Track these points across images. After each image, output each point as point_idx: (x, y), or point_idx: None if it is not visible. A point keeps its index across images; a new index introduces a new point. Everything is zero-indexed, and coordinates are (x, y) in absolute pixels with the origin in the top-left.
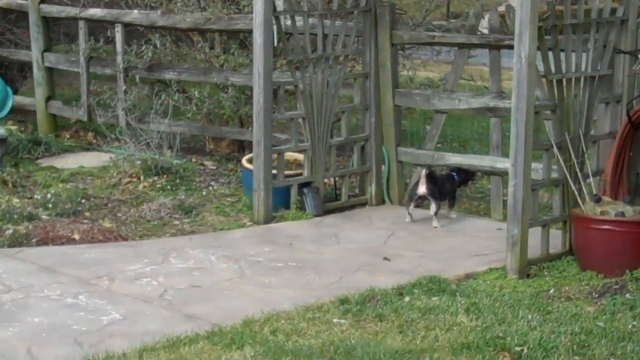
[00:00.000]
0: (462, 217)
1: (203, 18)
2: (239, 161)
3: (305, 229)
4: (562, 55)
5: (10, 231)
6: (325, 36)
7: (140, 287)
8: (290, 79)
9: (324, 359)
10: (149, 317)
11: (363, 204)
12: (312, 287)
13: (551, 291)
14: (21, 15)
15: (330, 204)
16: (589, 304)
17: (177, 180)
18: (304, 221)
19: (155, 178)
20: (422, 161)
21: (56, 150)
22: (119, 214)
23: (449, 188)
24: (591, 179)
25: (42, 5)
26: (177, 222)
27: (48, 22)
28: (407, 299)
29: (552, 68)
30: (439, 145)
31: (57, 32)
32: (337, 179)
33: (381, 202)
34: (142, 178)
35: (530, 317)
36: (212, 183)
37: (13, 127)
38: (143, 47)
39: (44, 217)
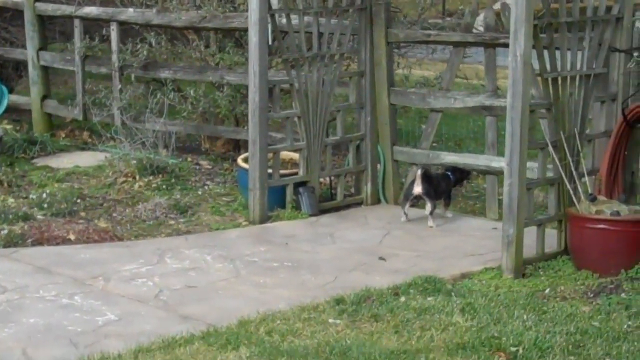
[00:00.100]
0: (457, 216)
1: (198, 16)
2: (235, 160)
3: (301, 228)
4: (558, 53)
5: (5, 231)
6: (320, 34)
7: (135, 288)
8: (285, 77)
9: (319, 359)
10: (145, 318)
11: (358, 204)
12: (307, 287)
13: (546, 291)
14: (16, 13)
15: (326, 204)
16: (584, 303)
17: (173, 180)
18: (299, 221)
19: (151, 177)
20: (417, 160)
21: (51, 149)
22: (114, 214)
23: (444, 187)
24: (586, 178)
25: (38, 4)
26: (172, 222)
27: (43, 21)
28: (402, 299)
29: (548, 66)
30: (434, 144)
31: (53, 30)
32: (332, 178)
33: (377, 201)
34: (137, 177)
35: (525, 317)
36: (208, 182)
37: (8, 127)
38: (138, 46)
39: (39, 217)
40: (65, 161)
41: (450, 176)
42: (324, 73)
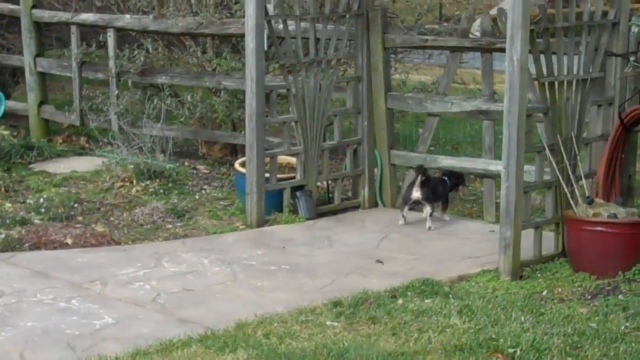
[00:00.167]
0: (455, 219)
1: (195, 22)
2: (232, 165)
3: (298, 232)
4: (554, 58)
5: (3, 236)
6: (317, 40)
7: (133, 291)
8: (282, 82)
9: None
10: (142, 321)
11: (356, 207)
12: (305, 290)
13: (544, 293)
14: (13, 20)
15: (323, 207)
16: (581, 305)
17: (170, 184)
18: (296, 224)
19: (148, 182)
20: (414, 164)
21: (49, 154)
22: (111, 218)
23: (442, 191)
24: (583, 181)
25: (34, 10)
26: (169, 226)
27: (40, 27)
28: (400, 301)
29: (544, 71)
30: (431, 148)
31: (49, 37)
32: (329, 182)
33: (374, 205)
34: (134, 182)
35: (523, 318)
36: (205, 187)
37: (5, 132)
38: (135, 52)
39: (36, 221)
40: (62, 166)
41: (447, 180)
42: (321, 78)
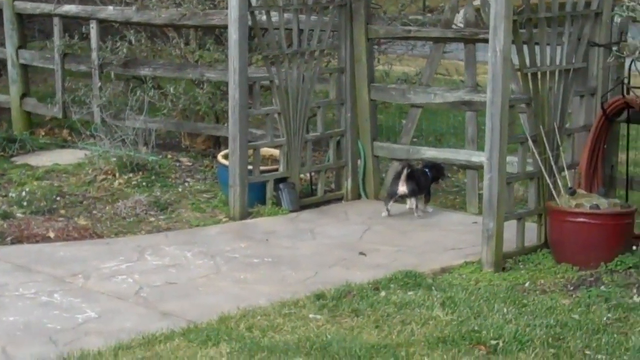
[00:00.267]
0: (438, 211)
1: (178, 14)
2: (215, 157)
3: (281, 224)
4: (537, 48)
5: None
6: (300, 31)
7: (115, 285)
8: (265, 74)
9: (300, 355)
10: (125, 315)
11: (339, 199)
12: (288, 283)
13: (526, 284)
14: None
15: (306, 199)
16: (564, 296)
17: (153, 177)
18: (280, 217)
19: (131, 175)
20: (397, 155)
21: (31, 147)
22: (94, 212)
23: (424, 183)
24: (566, 172)
25: (17, 2)
26: (152, 219)
27: (22, 19)
28: (383, 293)
29: (527, 61)
30: (414, 140)
31: (32, 28)
32: (313, 174)
33: (357, 197)
34: (117, 175)
35: (505, 310)
36: (188, 179)
37: None
38: (118, 44)
39: (18, 215)
40: (44, 159)
41: (428, 173)
42: (304, 69)
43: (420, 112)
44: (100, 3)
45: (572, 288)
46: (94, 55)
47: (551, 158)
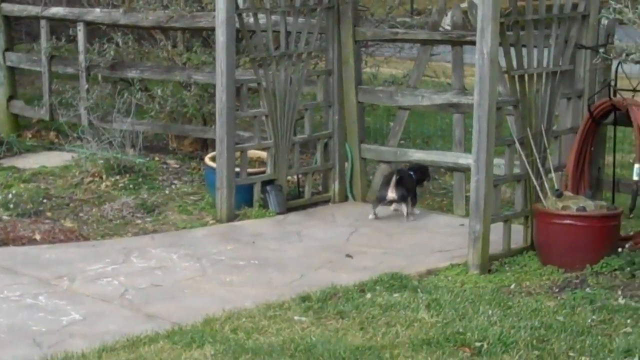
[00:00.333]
0: (425, 213)
1: (165, 16)
2: (202, 159)
3: (268, 226)
4: (524, 50)
5: None
6: (288, 33)
7: (100, 287)
8: (253, 76)
9: (285, 357)
10: (109, 317)
11: (326, 201)
12: (273, 285)
13: (512, 286)
14: None
15: (293, 202)
16: (549, 298)
17: (140, 179)
18: (266, 219)
19: (118, 177)
20: (385, 158)
21: (18, 150)
22: (80, 214)
23: (410, 187)
24: (553, 174)
25: (4, 5)
26: (139, 221)
27: (9, 21)
28: (368, 295)
29: (514, 64)
30: (402, 142)
31: (19, 31)
32: (300, 176)
33: (344, 199)
34: (104, 177)
35: (490, 312)
36: (175, 181)
37: None
38: (105, 46)
39: (4, 217)
40: (31, 161)
41: (413, 175)
42: (291, 72)
43: (408, 115)
44: (87, 5)
45: (557, 290)
46: (81, 57)
47: (538, 160)
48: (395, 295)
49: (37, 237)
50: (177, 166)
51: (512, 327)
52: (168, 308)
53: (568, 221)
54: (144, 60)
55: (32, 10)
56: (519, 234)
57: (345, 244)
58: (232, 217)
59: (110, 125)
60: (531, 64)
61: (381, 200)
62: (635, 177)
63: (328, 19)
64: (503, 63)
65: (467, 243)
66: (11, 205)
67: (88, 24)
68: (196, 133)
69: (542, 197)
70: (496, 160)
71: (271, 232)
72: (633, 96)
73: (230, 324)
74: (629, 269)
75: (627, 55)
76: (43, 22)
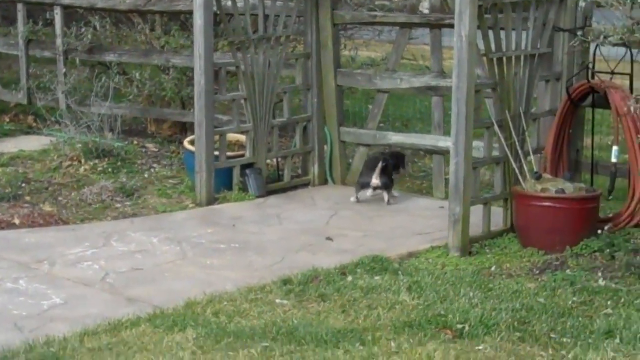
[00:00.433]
0: (405, 196)
1: None
2: (181, 143)
3: (248, 210)
4: (502, 33)
5: None
6: (266, 17)
7: (81, 271)
8: (231, 60)
9: (266, 340)
10: (90, 301)
11: (306, 185)
12: (254, 268)
13: (492, 268)
14: None
15: (273, 185)
16: (529, 280)
17: (119, 163)
18: (246, 202)
19: (97, 161)
20: (364, 141)
21: None
22: (59, 198)
23: (391, 173)
24: (532, 157)
25: None
26: (118, 205)
27: None
28: (349, 278)
29: (493, 46)
30: (381, 125)
31: None
32: (279, 159)
33: (324, 182)
34: (83, 161)
35: (471, 294)
36: (154, 165)
37: None
38: (83, 29)
39: None
40: (9, 145)
41: (390, 161)
42: (270, 55)
43: (387, 98)
44: None
45: (537, 272)
46: (59, 41)
47: (517, 143)
48: (376, 277)
49: (16, 221)
50: (156, 150)
51: (493, 309)
52: (149, 291)
53: (547, 203)
54: (121, 43)
55: None
56: (498, 216)
57: (326, 227)
58: (211, 201)
59: (88, 109)
60: (509, 46)
61: (364, 186)
62: (613, 159)
63: (306, 2)
64: (481, 46)
65: (447, 225)
66: None
67: (65, 7)
68: (175, 116)
69: (521, 180)
70: (475, 143)
71: (251, 215)
72: (611, 78)
73: (211, 307)
74: (608, 250)
75: (605, 37)
76: (20, 6)
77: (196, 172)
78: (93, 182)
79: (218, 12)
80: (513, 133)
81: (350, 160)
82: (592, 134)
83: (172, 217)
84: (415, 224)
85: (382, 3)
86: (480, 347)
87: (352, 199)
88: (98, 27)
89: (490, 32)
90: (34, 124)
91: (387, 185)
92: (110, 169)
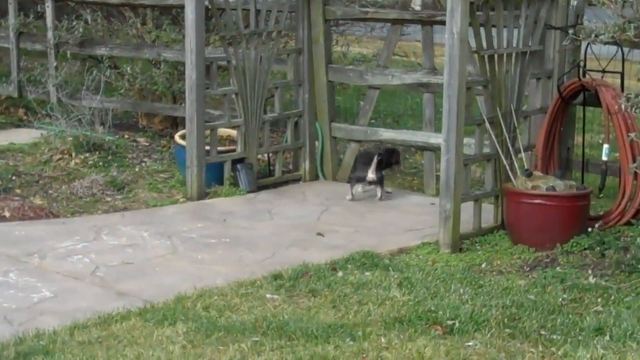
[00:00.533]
0: (396, 192)
1: None
2: (172, 137)
3: (239, 205)
4: (494, 31)
5: None
6: (258, 12)
7: (71, 264)
8: (223, 54)
9: (257, 335)
10: (81, 295)
11: (297, 180)
12: (245, 263)
13: (483, 265)
14: None
15: (264, 180)
16: (520, 277)
17: (110, 157)
18: (237, 197)
19: (87, 154)
20: (355, 137)
21: None
22: (50, 191)
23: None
24: (523, 154)
25: None
26: (109, 199)
27: None
28: (340, 274)
29: (484, 44)
30: (372, 121)
31: None
32: (270, 154)
33: (315, 177)
34: (73, 155)
35: (462, 290)
36: (145, 159)
37: None
38: (74, 23)
39: None
40: (0, 138)
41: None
42: (261, 50)
43: (378, 94)
44: None
45: (528, 269)
46: (50, 34)
47: (508, 140)
48: (367, 273)
49: (7, 214)
50: (147, 144)
51: (484, 305)
52: (139, 285)
53: (538, 201)
54: (113, 37)
55: None
56: (489, 213)
57: (317, 223)
58: (202, 195)
59: (79, 102)
60: (501, 44)
61: (360, 180)
62: (604, 157)
63: None
64: (473, 43)
65: (438, 222)
66: None
67: (56, 0)
68: (166, 111)
69: (512, 177)
70: (466, 140)
71: (242, 210)
72: (602, 77)
73: (202, 302)
74: (598, 248)
75: (596, 36)
76: None
77: (187, 166)
78: (84, 175)
79: (209, 7)
80: (504, 130)
81: (342, 156)
82: (583, 132)
83: (162, 211)
84: (406, 221)
85: None
86: (470, 344)
87: (348, 197)
88: (89, 20)
89: (482, 30)
90: (25, 117)
91: (381, 180)
92: (101, 163)
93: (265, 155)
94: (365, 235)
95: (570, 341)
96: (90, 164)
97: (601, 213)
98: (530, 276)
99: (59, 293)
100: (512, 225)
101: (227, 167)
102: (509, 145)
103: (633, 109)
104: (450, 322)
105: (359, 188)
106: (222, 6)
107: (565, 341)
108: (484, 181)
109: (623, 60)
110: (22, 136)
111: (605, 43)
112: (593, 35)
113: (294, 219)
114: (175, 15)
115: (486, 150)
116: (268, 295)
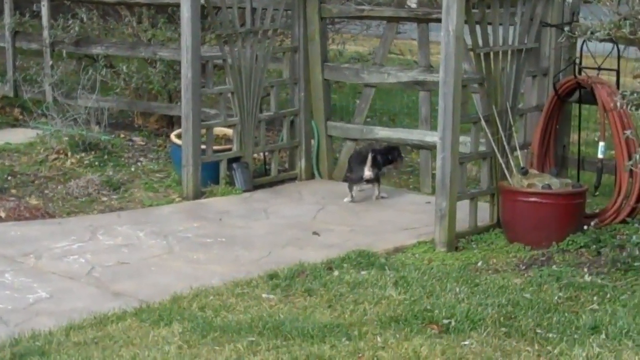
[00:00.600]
0: (392, 191)
1: None
2: (168, 136)
3: (235, 204)
4: (490, 28)
5: None
6: (253, 10)
7: (67, 265)
8: (218, 53)
9: (253, 334)
10: (76, 295)
11: (293, 179)
12: (241, 263)
13: (479, 263)
14: None
15: (260, 179)
16: (516, 275)
17: (105, 156)
18: (233, 196)
19: (83, 154)
20: (351, 135)
21: None
22: (46, 191)
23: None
24: (518, 152)
25: None
26: (105, 199)
27: None
28: (336, 273)
29: (480, 41)
30: (368, 119)
31: None
32: (266, 153)
33: (311, 176)
34: (69, 154)
35: (458, 289)
36: (141, 159)
37: None
38: (70, 22)
39: None
40: None
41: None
42: (257, 49)
43: (374, 92)
44: None
45: (524, 267)
46: (46, 33)
47: (504, 138)
48: (363, 272)
49: (2, 214)
50: (143, 143)
51: (480, 304)
52: (135, 286)
53: (534, 199)
54: (108, 36)
55: None
56: (485, 212)
57: (312, 222)
58: (198, 195)
59: (75, 101)
60: (497, 41)
61: (358, 181)
62: (599, 155)
63: None
64: (469, 41)
65: (433, 220)
66: None
67: None
68: (162, 110)
69: (507, 175)
70: (462, 138)
71: (238, 209)
72: (598, 74)
73: (197, 302)
74: (594, 246)
75: (592, 33)
76: None
77: (183, 165)
78: (79, 175)
79: (205, 5)
80: (500, 128)
81: (338, 155)
82: (579, 129)
83: (158, 211)
84: (402, 219)
85: None
86: (466, 342)
87: (347, 199)
88: (85, 19)
89: (478, 27)
90: (21, 117)
91: (377, 177)
92: (96, 163)
93: (261, 154)
94: (361, 234)
95: (566, 339)
96: (86, 164)
97: (597, 211)
98: (526, 274)
99: (54, 293)
100: (508, 224)
101: (223, 166)
102: (505, 143)
103: (629, 107)
104: (446, 321)
105: (357, 189)
106: (217, 4)
107: (561, 339)
108: (480, 179)
109: (619, 57)
110: (18, 136)
111: (601, 40)
112: (589, 33)
113: (290, 218)
114: (171, 13)
115: (482, 148)
116: (264, 295)
